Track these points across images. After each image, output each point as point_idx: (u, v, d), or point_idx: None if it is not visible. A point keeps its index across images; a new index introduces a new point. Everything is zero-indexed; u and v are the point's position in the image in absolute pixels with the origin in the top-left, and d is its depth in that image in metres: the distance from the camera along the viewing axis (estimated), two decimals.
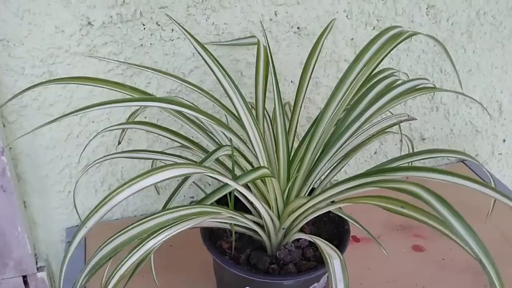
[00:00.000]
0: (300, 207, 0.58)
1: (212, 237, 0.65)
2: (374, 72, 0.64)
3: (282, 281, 0.59)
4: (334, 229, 0.68)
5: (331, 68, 0.87)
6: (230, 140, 0.56)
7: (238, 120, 0.57)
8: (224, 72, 0.58)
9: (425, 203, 0.44)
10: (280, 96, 0.62)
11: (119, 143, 0.74)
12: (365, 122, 0.62)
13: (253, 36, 0.77)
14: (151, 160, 0.84)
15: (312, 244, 0.66)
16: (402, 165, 0.52)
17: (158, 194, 0.88)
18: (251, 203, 0.66)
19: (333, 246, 0.53)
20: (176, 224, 0.51)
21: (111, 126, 0.61)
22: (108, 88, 0.54)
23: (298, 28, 0.81)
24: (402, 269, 0.79)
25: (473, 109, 1.01)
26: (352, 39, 0.85)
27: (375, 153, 1.00)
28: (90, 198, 0.86)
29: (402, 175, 0.49)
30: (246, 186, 0.57)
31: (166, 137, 0.62)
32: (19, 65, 0.71)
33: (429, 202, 0.44)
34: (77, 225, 0.87)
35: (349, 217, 0.64)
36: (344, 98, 0.60)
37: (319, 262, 0.63)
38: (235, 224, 0.61)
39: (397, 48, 0.88)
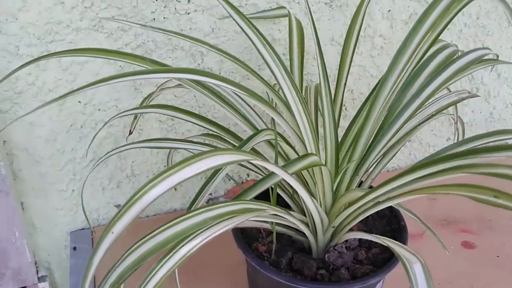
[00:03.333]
0: (355, 201, 0.48)
1: (245, 238, 0.56)
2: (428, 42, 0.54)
3: None
4: (387, 225, 0.59)
5: (365, 44, 0.77)
6: (273, 122, 0.46)
7: (284, 100, 0.47)
8: (265, 42, 0.48)
9: None
10: (326, 74, 0.52)
11: (131, 132, 0.64)
12: (427, 100, 0.52)
13: (282, 7, 0.67)
14: (166, 153, 0.75)
15: (362, 245, 0.56)
16: (494, 145, 0.42)
17: (175, 190, 0.78)
18: (292, 199, 0.56)
19: (409, 248, 0.44)
20: (215, 225, 0.41)
21: (128, 110, 0.51)
22: (125, 61, 0.44)
23: None
24: (455, 269, 0.70)
25: None
26: (389, 10, 0.75)
27: (409, 140, 0.90)
28: (97, 197, 0.76)
29: (497, 156, 0.40)
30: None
31: (192, 123, 0.53)
32: (12, 44, 0.61)
33: None
34: (82, 228, 0.77)
35: (408, 210, 0.55)
36: (403, 73, 0.51)
37: (375, 265, 0.53)
38: (276, 223, 0.52)
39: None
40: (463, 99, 0.58)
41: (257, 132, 0.47)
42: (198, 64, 0.70)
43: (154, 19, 0.65)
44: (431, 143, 0.92)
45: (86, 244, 0.75)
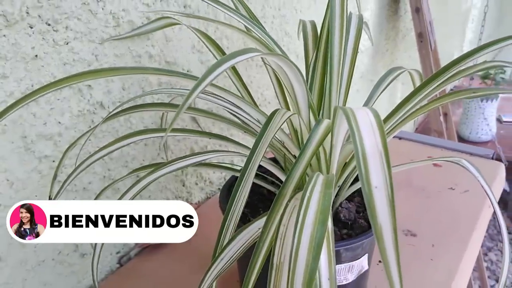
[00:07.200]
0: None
1: None
2: None
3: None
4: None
5: None
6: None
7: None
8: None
9: None
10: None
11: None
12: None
13: (167, 17, 0.64)
14: None
15: None
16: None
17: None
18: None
19: (449, 156, 0.50)
20: None
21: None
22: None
23: (185, 6, 0.71)
24: None
25: None
26: None
27: None
28: None
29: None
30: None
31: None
32: None
33: None
34: None
35: None
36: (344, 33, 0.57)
37: None
38: None
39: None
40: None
41: (276, 110, 0.46)
42: (88, 100, 0.60)
43: (36, 55, 0.53)
44: None
45: None
